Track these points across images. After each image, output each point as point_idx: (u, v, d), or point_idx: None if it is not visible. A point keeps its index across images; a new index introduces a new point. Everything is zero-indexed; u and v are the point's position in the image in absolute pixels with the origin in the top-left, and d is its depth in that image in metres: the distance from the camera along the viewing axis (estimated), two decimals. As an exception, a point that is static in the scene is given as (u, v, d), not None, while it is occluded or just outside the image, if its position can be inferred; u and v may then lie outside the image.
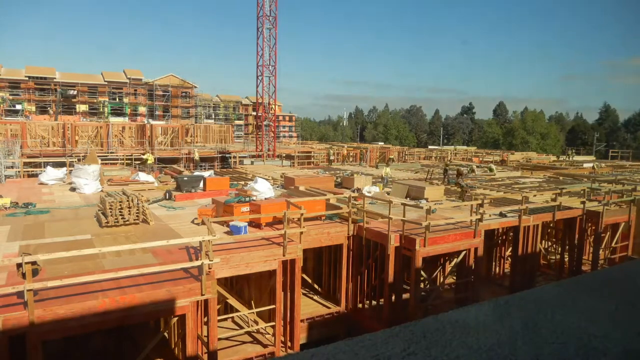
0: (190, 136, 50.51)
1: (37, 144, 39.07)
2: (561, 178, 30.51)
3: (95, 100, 64.93)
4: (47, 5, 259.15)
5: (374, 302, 15.26)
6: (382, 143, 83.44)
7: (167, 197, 19.02)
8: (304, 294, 15.96)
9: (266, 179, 21.60)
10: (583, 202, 19.06)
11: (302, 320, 14.40)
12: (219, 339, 11.89)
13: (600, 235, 19.71)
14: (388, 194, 20.94)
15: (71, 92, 63.51)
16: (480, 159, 49.46)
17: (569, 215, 19.03)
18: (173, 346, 12.70)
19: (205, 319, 10.77)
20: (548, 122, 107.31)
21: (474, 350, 1.52)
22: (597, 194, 21.25)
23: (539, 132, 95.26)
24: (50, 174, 23.52)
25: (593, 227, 20.42)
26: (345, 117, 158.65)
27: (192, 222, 15.04)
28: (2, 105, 57.04)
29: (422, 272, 14.15)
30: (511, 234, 19.20)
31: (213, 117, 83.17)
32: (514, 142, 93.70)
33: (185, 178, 20.87)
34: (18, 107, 59.46)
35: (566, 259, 20.02)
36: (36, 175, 26.33)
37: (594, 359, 1.48)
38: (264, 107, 45.36)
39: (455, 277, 16.41)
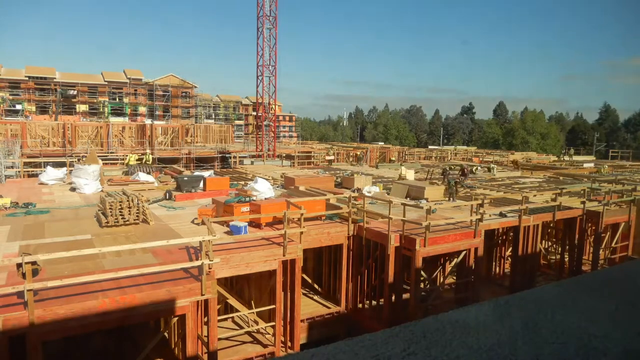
0: (190, 136, 50.51)
1: (37, 144, 39.08)
2: (561, 178, 30.52)
3: (95, 100, 64.96)
4: (47, 5, 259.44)
5: (374, 302, 15.26)
6: (382, 143, 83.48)
7: (167, 197, 19.02)
8: (304, 294, 15.95)
9: (266, 179, 21.61)
10: (583, 202, 19.06)
11: (302, 320, 14.40)
12: (219, 339, 11.89)
13: (600, 235, 19.70)
14: (388, 194, 20.94)
15: (71, 92, 63.54)
16: (481, 158, 49.45)
17: (569, 215, 19.03)
18: (173, 346, 12.70)
19: (205, 319, 10.77)
20: (548, 122, 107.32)
21: (474, 350, 1.52)
22: (597, 194, 21.25)
23: (539, 132, 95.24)
24: (51, 174, 23.52)
25: (593, 227, 20.42)
26: (345, 117, 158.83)
27: (192, 222, 15.03)
28: (2, 105, 57.08)
29: (422, 272, 14.15)
30: (511, 234, 19.20)
31: (213, 117, 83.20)
32: (514, 142, 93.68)
33: (185, 178, 20.88)
34: (18, 107, 59.50)
35: (566, 259, 20.02)
36: (36, 175, 26.33)
37: (594, 359, 1.48)
38: (264, 107, 45.36)
39: (455, 277, 16.41)
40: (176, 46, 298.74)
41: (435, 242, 13.79)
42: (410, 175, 26.40)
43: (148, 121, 51.49)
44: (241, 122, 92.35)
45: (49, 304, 8.29)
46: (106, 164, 31.95)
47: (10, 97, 59.84)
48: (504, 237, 21.01)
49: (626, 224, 20.85)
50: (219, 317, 12.49)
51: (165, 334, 12.65)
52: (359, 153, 48.00)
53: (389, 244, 13.78)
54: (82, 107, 63.97)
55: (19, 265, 8.17)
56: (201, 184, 20.53)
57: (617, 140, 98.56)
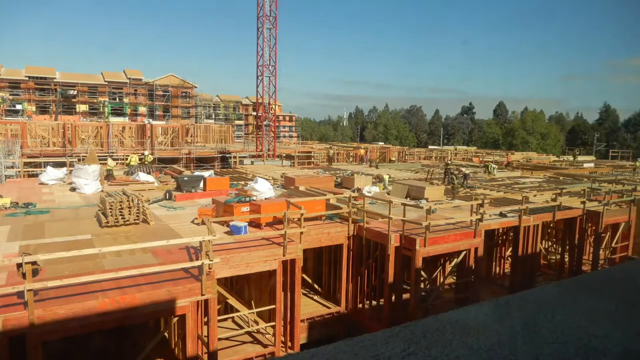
0: (191, 136, 50.52)
1: (37, 144, 39.09)
2: (561, 178, 30.52)
3: (95, 100, 64.91)
4: (47, 5, 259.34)
5: (374, 302, 15.26)
6: (382, 143, 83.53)
7: (167, 197, 19.02)
8: (304, 294, 15.95)
9: (266, 179, 21.61)
10: (583, 202, 19.06)
11: (302, 320, 14.40)
12: (219, 339, 11.89)
13: (600, 235, 19.70)
14: (388, 194, 20.94)
15: (71, 92, 63.50)
16: (481, 158, 49.45)
17: (569, 215, 19.03)
18: (173, 346, 12.70)
19: (205, 319, 10.76)
20: (548, 122, 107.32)
21: (474, 350, 1.52)
22: (597, 194, 21.25)
23: (539, 132, 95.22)
24: (51, 174, 23.53)
25: (593, 227, 20.41)
26: (345, 117, 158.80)
27: (192, 222, 15.03)
28: (2, 105, 57.04)
29: (422, 272, 14.15)
30: (511, 234, 19.20)
31: (213, 117, 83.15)
32: (514, 142, 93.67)
33: (186, 178, 20.88)
34: (18, 107, 59.46)
35: (566, 259, 20.02)
36: (36, 175, 26.34)
37: (594, 359, 1.48)
38: (264, 107, 45.36)
39: (455, 277, 16.41)
40: (176, 46, 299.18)
41: (435, 242, 13.78)
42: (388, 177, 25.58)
43: (148, 121, 51.48)
44: (241, 122, 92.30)
45: (49, 304, 8.29)
46: (106, 164, 31.89)
47: (11, 97, 59.79)
48: (504, 237, 21.01)
49: (626, 224, 20.85)
50: (219, 317, 12.49)
51: (166, 334, 12.66)
52: (362, 151, 48.10)
53: (389, 244, 13.78)
54: (82, 107, 63.93)
55: (19, 265, 8.17)
56: (201, 184, 20.53)
57: (617, 140, 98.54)
